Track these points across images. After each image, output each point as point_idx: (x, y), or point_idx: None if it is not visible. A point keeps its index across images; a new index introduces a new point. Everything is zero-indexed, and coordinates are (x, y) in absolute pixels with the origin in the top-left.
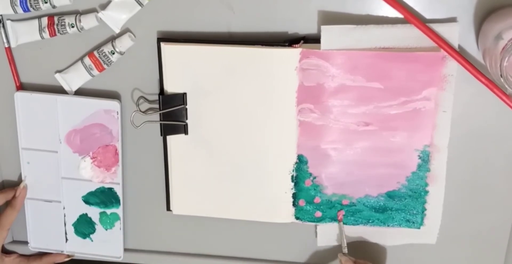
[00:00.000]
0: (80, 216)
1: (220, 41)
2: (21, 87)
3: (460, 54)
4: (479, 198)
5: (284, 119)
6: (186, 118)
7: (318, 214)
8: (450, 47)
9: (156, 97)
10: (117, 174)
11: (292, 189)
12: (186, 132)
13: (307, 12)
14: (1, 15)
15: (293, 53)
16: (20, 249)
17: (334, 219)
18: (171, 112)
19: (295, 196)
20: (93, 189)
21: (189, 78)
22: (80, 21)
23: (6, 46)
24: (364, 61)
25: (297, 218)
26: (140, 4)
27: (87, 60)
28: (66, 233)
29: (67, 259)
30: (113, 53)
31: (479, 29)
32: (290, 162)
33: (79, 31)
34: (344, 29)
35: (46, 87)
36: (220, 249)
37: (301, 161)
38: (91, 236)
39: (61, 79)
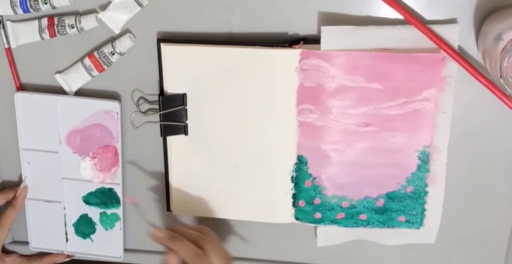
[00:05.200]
0: (81, 216)
1: (220, 42)
2: (21, 88)
3: (460, 55)
4: (479, 198)
5: (284, 120)
6: (186, 119)
7: (318, 215)
8: (450, 48)
9: (156, 98)
10: (117, 175)
11: (292, 189)
12: (186, 133)
13: (307, 13)
14: (1, 16)
15: (293, 53)
16: (20, 249)
17: (333, 221)
18: (171, 113)
19: (295, 197)
20: (93, 189)
21: (189, 79)
22: (80, 22)
23: (6, 47)
24: (364, 62)
25: (297, 218)
26: (140, 4)
27: (87, 60)
28: (66, 233)
29: (67, 259)
30: (113, 54)
31: (479, 30)
32: (290, 162)
33: (79, 32)
34: (344, 30)
35: (46, 88)
36: None
37: (301, 161)
38: (91, 236)
39: (61, 80)
